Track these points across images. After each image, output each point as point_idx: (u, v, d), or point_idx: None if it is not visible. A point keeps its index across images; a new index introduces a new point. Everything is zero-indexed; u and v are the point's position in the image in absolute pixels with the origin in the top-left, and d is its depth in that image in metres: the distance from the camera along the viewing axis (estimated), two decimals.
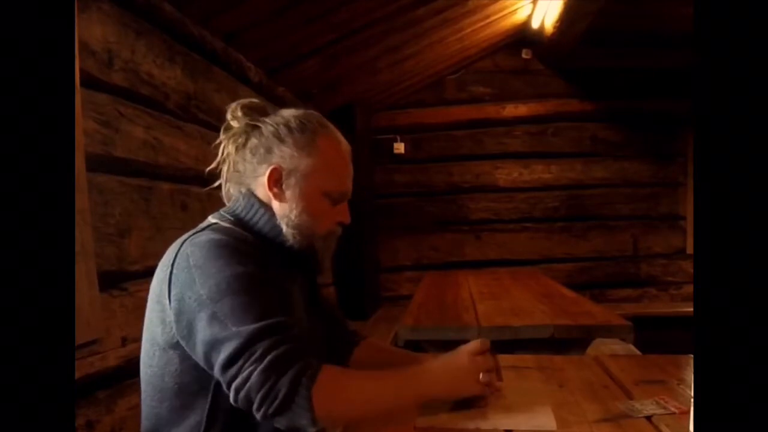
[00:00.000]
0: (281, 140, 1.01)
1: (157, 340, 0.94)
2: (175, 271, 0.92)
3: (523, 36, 4.33)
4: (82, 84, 1.44)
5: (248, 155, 1.03)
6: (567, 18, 3.44)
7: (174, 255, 0.94)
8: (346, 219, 1.07)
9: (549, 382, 1.20)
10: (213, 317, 0.86)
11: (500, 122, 4.59)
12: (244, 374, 0.82)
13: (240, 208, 1.04)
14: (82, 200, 1.43)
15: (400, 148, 4.63)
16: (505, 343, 1.95)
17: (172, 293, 0.91)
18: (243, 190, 1.05)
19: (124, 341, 1.58)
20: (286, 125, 1.02)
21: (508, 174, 4.63)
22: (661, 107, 4.43)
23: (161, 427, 0.96)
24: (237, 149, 1.04)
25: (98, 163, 1.53)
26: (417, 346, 2.01)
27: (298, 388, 0.82)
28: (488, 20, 3.69)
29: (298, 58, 2.92)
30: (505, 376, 1.16)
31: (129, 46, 1.70)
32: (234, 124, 1.04)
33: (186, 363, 0.92)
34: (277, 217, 1.02)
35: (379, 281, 4.69)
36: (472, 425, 0.95)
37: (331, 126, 1.07)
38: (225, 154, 1.06)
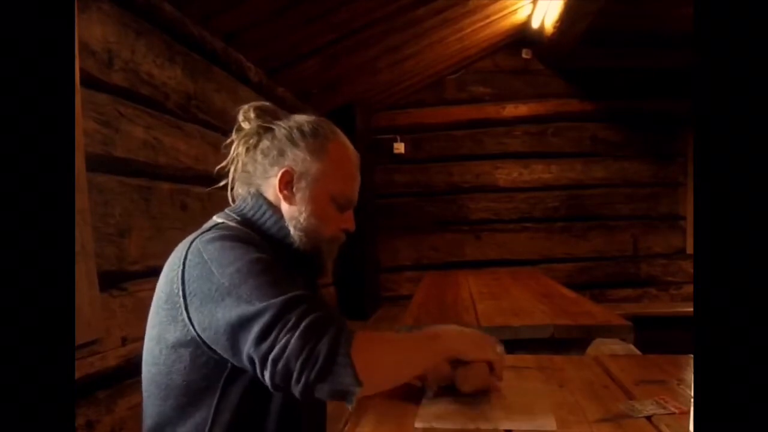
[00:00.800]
0: (294, 143, 1.02)
1: (166, 338, 0.94)
2: (187, 268, 0.92)
3: (523, 36, 4.33)
4: (82, 84, 1.44)
5: (259, 156, 1.04)
6: (567, 18, 3.44)
7: (184, 253, 0.94)
8: (351, 226, 1.09)
9: (549, 382, 1.19)
10: (238, 300, 0.85)
11: (500, 122, 4.59)
12: (281, 343, 0.81)
13: (247, 208, 1.04)
14: (82, 200, 1.43)
15: (400, 148, 4.63)
16: (505, 343, 1.95)
17: (188, 290, 0.91)
18: (252, 190, 1.05)
19: (124, 341, 1.58)
20: (300, 129, 1.03)
21: (508, 174, 4.63)
22: (661, 107, 4.43)
23: (165, 426, 0.96)
24: (248, 150, 1.05)
25: (98, 163, 1.53)
26: None
27: (338, 349, 0.82)
28: (488, 20, 3.69)
29: (298, 58, 2.92)
30: (505, 376, 1.16)
31: (129, 46, 1.70)
32: (245, 125, 1.05)
33: (197, 361, 0.92)
34: (285, 218, 1.03)
35: (379, 281, 4.69)
36: (472, 425, 0.95)
37: (342, 135, 1.09)
38: (235, 154, 1.06)
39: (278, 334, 0.82)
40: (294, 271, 1.04)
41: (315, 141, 1.03)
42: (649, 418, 0.97)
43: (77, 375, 1.37)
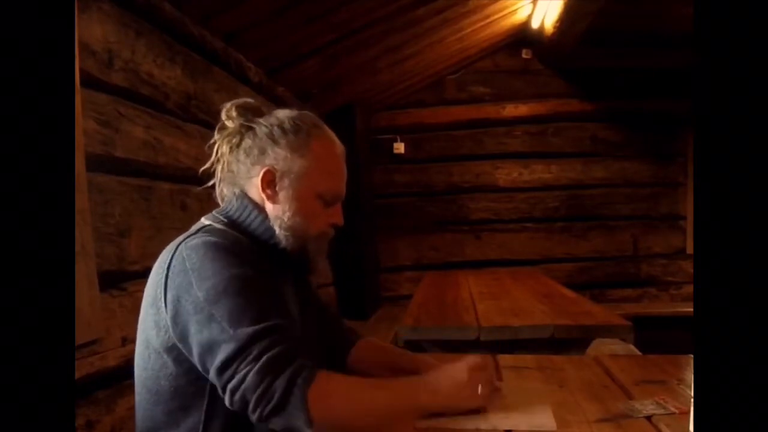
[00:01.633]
0: (275, 142, 1.01)
1: (152, 343, 0.94)
2: (171, 274, 0.92)
3: (523, 36, 4.33)
4: (82, 84, 1.44)
5: (242, 156, 1.03)
6: (567, 18, 3.44)
7: (169, 258, 0.94)
8: (339, 221, 1.07)
9: (549, 382, 1.19)
10: (210, 319, 0.86)
11: (500, 122, 4.59)
12: (240, 375, 0.82)
13: (233, 210, 1.04)
14: (82, 200, 1.43)
15: (400, 148, 4.63)
16: (505, 343, 1.95)
17: (168, 297, 0.91)
18: (236, 191, 1.04)
19: (124, 341, 1.58)
20: (280, 126, 1.02)
21: (508, 174, 4.63)
22: (661, 107, 4.43)
23: (157, 430, 0.95)
24: (231, 150, 1.04)
25: (98, 163, 1.53)
26: (417, 346, 2.01)
27: (293, 389, 0.82)
28: (488, 20, 3.69)
29: (298, 58, 2.92)
30: (505, 376, 1.16)
31: (129, 46, 1.70)
32: (229, 124, 1.04)
33: (182, 366, 0.92)
34: (270, 218, 1.02)
35: (379, 281, 4.69)
36: (472, 425, 0.95)
37: (325, 127, 1.06)
38: (219, 154, 1.06)
39: (239, 365, 0.83)
40: (282, 273, 1.03)
41: (296, 138, 1.01)
42: (649, 418, 0.97)
43: (77, 375, 1.37)
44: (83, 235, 1.42)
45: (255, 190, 1.02)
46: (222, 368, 0.84)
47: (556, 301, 2.54)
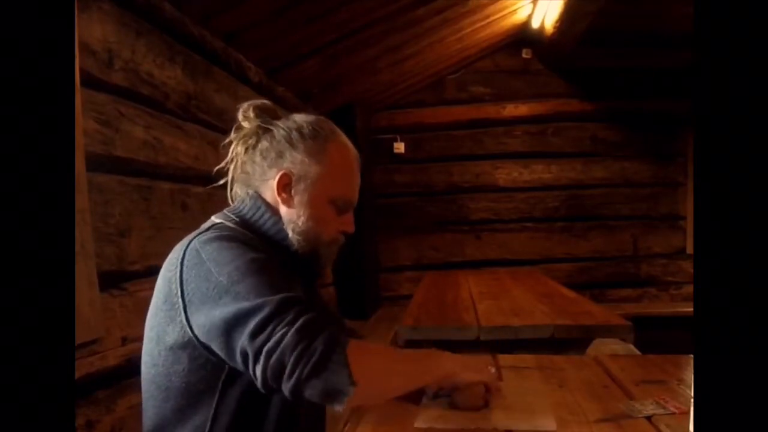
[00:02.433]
0: (293, 146, 1.01)
1: (165, 339, 0.94)
2: (185, 268, 0.92)
3: (523, 36, 4.33)
4: (82, 84, 1.44)
5: (258, 157, 1.03)
6: (567, 18, 3.44)
7: (182, 254, 0.94)
8: (351, 228, 1.08)
9: (549, 382, 1.19)
10: (236, 297, 0.85)
11: (500, 122, 4.59)
12: (277, 336, 0.80)
13: (246, 210, 1.04)
14: (82, 200, 1.43)
15: (400, 148, 4.63)
16: (505, 343, 1.95)
17: (186, 290, 0.90)
18: (250, 191, 1.04)
19: (124, 341, 1.58)
20: (299, 131, 1.02)
21: (508, 174, 4.63)
22: (661, 107, 4.43)
23: (165, 427, 0.95)
24: (246, 150, 1.04)
25: (98, 163, 1.53)
26: (417, 346, 2.01)
27: (335, 347, 0.81)
28: (488, 20, 3.69)
29: (298, 58, 2.92)
30: (505, 376, 1.16)
31: (129, 46, 1.70)
32: (245, 124, 1.04)
33: (195, 362, 0.92)
34: (284, 221, 1.02)
35: (379, 281, 4.69)
36: (472, 425, 0.95)
37: (342, 135, 1.07)
38: (234, 154, 1.05)
39: (275, 327, 0.81)
40: (292, 273, 1.04)
41: (314, 143, 1.02)
42: (649, 418, 0.97)
43: (77, 375, 1.37)
44: (83, 235, 1.42)
45: (270, 192, 1.03)
46: (256, 332, 0.81)
47: (556, 301, 2.54)
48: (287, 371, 0.80)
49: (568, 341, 1.96)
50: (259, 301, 0.83)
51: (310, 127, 1.03)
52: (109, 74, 1.60)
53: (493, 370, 1.10)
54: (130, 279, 1.65)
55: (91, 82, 1.51)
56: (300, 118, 1.05)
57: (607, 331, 1.96)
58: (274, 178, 1.01)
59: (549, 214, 4.62)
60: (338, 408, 0.83)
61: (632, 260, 4.58)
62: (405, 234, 4.69)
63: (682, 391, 1.10)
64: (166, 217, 1.88)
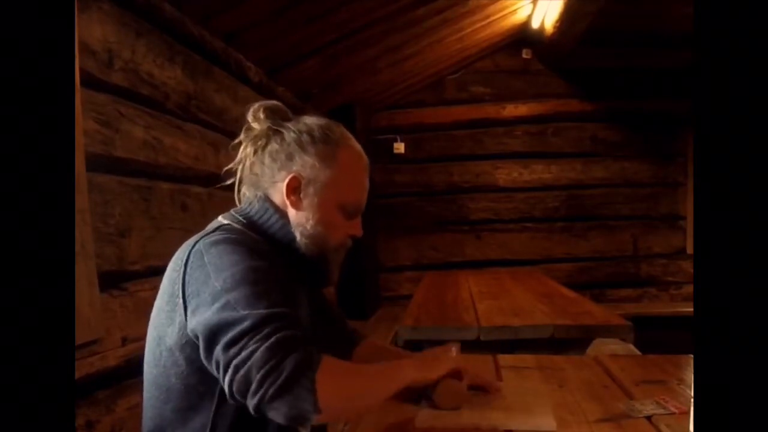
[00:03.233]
0: (303, 149, 1.00)
1: (166, 340, 0.94)
2: (189, 270, 0.92)
3: (523, 36, 4.33)
4: (82, 84, 1.44)
5: (267, 159, 1.02)
6: (567, 18, 3.44)
7: (187, 254, 0.94)
8: (359, 232, 1.08)
9: (549, 382, 1.20)
10: (225, 305, 0.85)
11: (500, 122, 4.59)
12: (248, 351, 0.80)
13: (254, 211, 1.03)
14: (82, 200, 1.42)
15: (400, 148, 4.63)
16: (505, 343, 1.95)
17: (188, 291, 0.90)
18: (259, 193, 1.04)
19: (124, 341, 1.58)
20: (309, 134, 1.01)
21: (508, 174, 4.63)
22: (661, 107, 4.43)
23: (165, 428, 0.95)
24: (256, 152, 1.03)
25: (98, 163, 1.53)
26: (417, 346, 2.01)
27: (302, 370, 0.79)
28: (488, 20, 3.69)
29: (298, 58, 2.92)
30: (505, 376, 1.17)
31: (129, 46, 1.70)
32: (255, 125, 1.03)
33: (194, 364, 0.91)
34: (292, 225, 1.01)
35: (379, 281, 4.69)
36: (471, 425, 0.95)
37: (353, 139, 1.06)
38: (243, 155, 1.04)
39: (248, 341, 0.80)
40: (297, 277, 1.03)
41: (325, 147, 1.01)
42: (649, 418, 0.97)
43: (77, 375, 1.37)
44: (83, 235, 1.42)
45: (278, 194, 1.02)
46: (230, 344, 0.81)
47: (556, 301, 2.54)
48: (252, 388, 0.79)
49: (568, 341, 1.96)
50: (244, 313, 0.83)
51: (321, 131, 1.02)
52: (109, 74, 1.60)
53: (454, 349, 1.10)
54: (130, 279, 1.65)
55: (91, 82, 1.51)
56: (311, 120, 1.04)
57: (607, 331, 1.96)
58: (284, 181, 1.00)
59: (549, 214, 4.62)
60: (302, 430, 0.83)
61: (632, 260, 4.58)
62: (405, 234, 4.69)
63: (682, 391, 1.10)
64: (166, 217, 1.88)
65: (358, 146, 1.06)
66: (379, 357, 1.20)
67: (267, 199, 1.03)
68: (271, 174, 1.02)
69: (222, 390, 0.90)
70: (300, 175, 1.00)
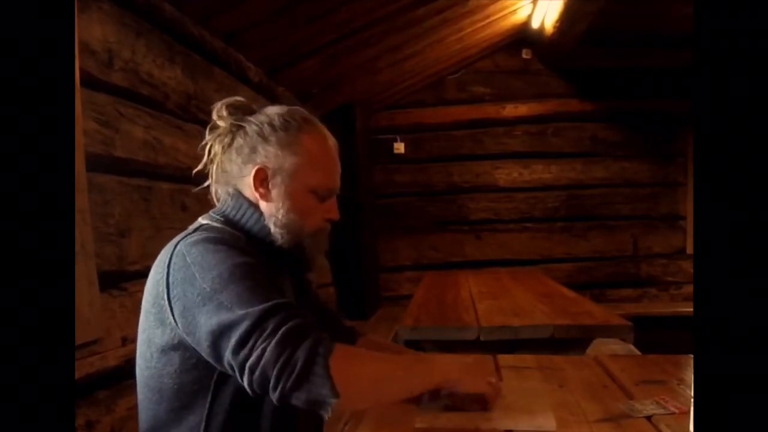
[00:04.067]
0: (265, 139, 1.00)
1: (155, 341, 0.94)
2: (171, 271, 0.91)
3: (523, 36, 4.33)
4: (82, 84, 1.44)
5: (234, 155, 1.02)
6: (567, 18, 3.44)
7: (169, 256, 0.94)
8: (335, 215, 1.06)
9: (549, 382, 1.20)
10: (219, 306, 0.85)
11: (500, 122, 4.59)
12: (258, 351, 0.80)
13: (229, 209, 1.03)
14: (82, 200, 1.43)
15: (400, 148, 4.63)
16: (505, 343, 1.95)
17: (172, 293, 0.90)
18: (230, 190, 1.04)
19: (124, 341, 1.58)
20: (270, 123, 1.01)
21: (508, 174, 4.63)
22: (661, 107, 4.43)
23: (160, 429, 0.95)
24: (223, 149, 1.03)
25: (98, 163, 1.53)
26: (417, 346, 2.01)
27: (315, 358, 0.80)
28: (488, 20, 3.69)
29: (298, 58, 2.92)
30: (505, 376, 1.16)
31: (129, 46, 1.70)
32: (220, 123, 1.03)
33: (186, 363, 0.92)
34: (265, 216, 1.01)
35: (379, 281, 4.69)
36: (471, 425, 0.95)
37: (316, 121, 1.05)
38: (212, 155, 1.05)
39: (255, 342, 0.81)
40: (280, 271, 1.03)
41: (286, 134, 1.00)
42: (649, 418, 0.97)
43: (77, 375, 1.37)
44: (83, 235, 1.42)
45: (248, 189, 1.02)
46: (238, 347, 0.81)
47: (556, 301, 2.54)
48: (271, 384, 0.80)
49: (568, 341, 1.96)
50: (241, 313, 0.83)
51: (281, 119, 1.01)
52: (109, 74, 1.60)
53: (494, 380, 1.07)
54: (130, 279, 1.65)
55: (91, 82, 1.51)
56: (271, 110, 1.03)
57: (607, 331, 1.96)
58: (251, 174, 1.00)
59: (549, 214, 4.62)
60: (324, 415, 0.83)
61: (632, 260, 4.58)
62: (405, 234, 4.69)
63: (682, 391, 1.10)
64: (165, 217, 1.88)
65: (322, 128, 1.05)
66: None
67: (239, 194, 1.03)
68: (239, 169, 1.02)
69: (215, 387, 0.90)
70: (265, 166, 1.00)
